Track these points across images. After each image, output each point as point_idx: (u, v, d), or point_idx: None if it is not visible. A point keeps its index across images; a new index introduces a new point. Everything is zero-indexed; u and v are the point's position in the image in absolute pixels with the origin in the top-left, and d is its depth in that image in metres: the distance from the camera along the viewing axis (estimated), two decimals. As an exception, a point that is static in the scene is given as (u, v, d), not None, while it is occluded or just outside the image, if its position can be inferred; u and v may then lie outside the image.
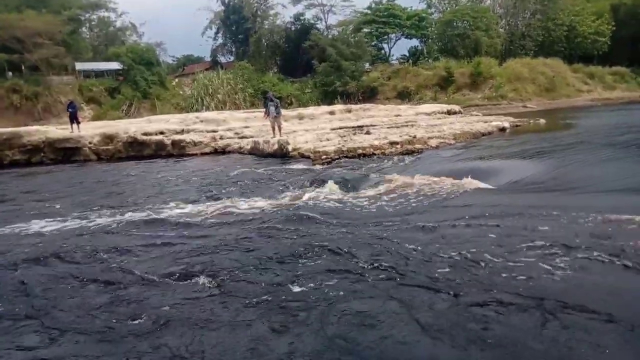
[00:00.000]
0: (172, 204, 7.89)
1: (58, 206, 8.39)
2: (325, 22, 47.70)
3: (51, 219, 7.18)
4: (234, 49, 49.30)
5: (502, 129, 17.33)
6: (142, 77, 36.30)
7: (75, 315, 3.83)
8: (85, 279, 4.59)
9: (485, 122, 18.52)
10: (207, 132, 18.03)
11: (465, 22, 42.45)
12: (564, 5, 43.93)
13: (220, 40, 49.86)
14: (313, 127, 18.39)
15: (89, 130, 18.16)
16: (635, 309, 3.28)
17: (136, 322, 3.62)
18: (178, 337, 3.35)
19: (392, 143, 13.77)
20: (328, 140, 14.88)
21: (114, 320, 3.68)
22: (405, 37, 47.65)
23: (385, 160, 11.92)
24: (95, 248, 5.50)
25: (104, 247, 5.50)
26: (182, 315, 3.68)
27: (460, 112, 24.58)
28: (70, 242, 5.91)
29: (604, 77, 42.78)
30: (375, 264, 4.39)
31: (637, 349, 2.86)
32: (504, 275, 3.91)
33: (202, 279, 4.37)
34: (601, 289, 3.60)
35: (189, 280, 4.39)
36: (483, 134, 16.07)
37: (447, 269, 4.14)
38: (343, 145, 13.53)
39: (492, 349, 2.93)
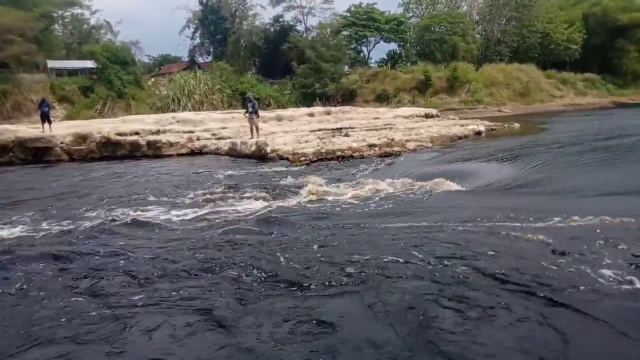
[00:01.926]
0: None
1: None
2: (305, 24, 47.60)
3: None
4: (212, 49, 48.76)
5: (478, 133, 17.65)
6: (117, 76, 35.44)
7: None
8: None
9: (462, 125, 18.81)
10: (184, 132, 17.78)
11: (442, 27, 43.09)
12: (538, 13, 45.04)
13: (198, 40, 49.25)
14: (292, 129, 18.34)
15: (61, 129, 17.64)
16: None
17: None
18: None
19: (371, 145, 13.85)
20: (307, 142, 14.85)
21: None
22: (384, 41, 48.03)
23: (364, 163, 11.95)
24: None
25: None
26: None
27: (437, 116, 24.90)
28: None
29: (575, 83, 44.13)
30: (342, 266, 4.37)
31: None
32: (471, 274, 3.95)
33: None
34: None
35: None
36: (459, 137, 16.33)
37: (414, 269, 4.16)
38: (322, 147, 13.53)
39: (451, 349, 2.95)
